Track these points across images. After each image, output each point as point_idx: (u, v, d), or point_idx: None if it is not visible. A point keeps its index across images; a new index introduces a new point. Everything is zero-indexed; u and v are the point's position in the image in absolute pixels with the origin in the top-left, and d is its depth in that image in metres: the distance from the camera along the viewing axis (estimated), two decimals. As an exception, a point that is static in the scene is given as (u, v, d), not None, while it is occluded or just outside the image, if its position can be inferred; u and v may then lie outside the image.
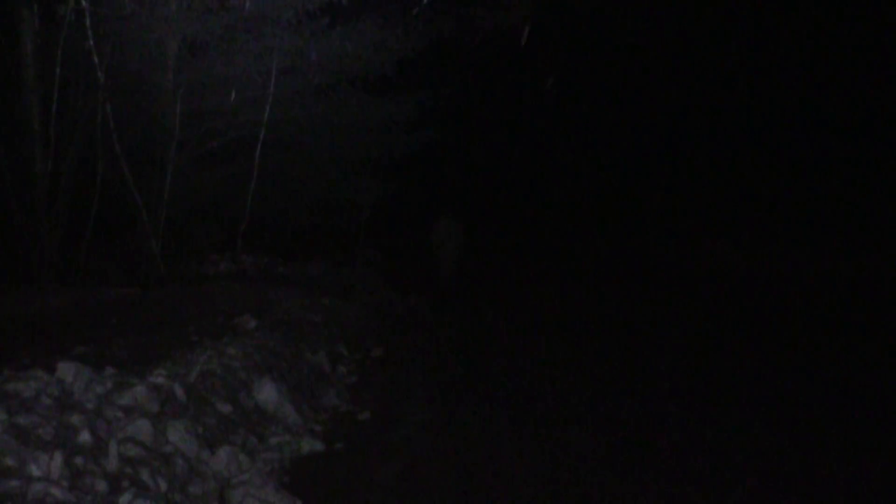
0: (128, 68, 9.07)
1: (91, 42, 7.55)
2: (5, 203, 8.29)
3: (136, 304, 7.06)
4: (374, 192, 13.58)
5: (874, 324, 8.15)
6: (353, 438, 4.42)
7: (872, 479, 3.62)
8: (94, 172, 8.79)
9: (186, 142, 10.03)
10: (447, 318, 9.50)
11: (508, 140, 23.64)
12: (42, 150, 8.29)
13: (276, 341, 5.73)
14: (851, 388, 5.36)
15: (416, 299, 11.09)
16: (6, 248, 8.36)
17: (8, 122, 8.46)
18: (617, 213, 22.78)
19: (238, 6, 8.87)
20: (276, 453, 3.97)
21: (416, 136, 13.25)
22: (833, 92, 13.97)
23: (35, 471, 2.81)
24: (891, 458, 3.88)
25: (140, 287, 8.52)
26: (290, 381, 5.08)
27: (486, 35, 14.00)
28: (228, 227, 11.48)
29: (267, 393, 4.59)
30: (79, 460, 2.99)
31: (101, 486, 2.92)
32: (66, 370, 3.67)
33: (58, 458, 2.89)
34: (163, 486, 3.16)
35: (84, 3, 7.43)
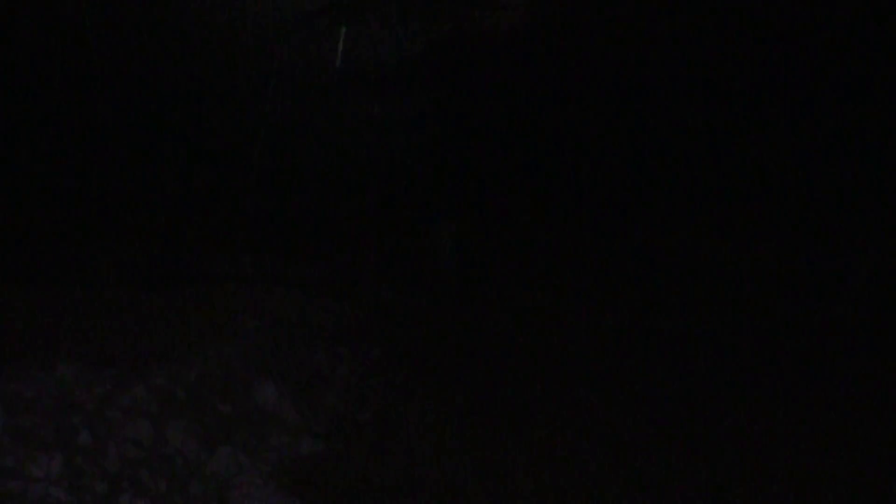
0: None
1: None
2: None
3: (136, 304, 7.06)
4: (374, 192, 13.58)
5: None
6: (353, 438, 4.42)
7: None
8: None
9: None
10: (447, 318, 9.49)
11: (508, 140, 23.66)
12: None
13: (276, 341, 5.72)
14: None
15: (415, 299, 11.09)
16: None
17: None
18: (616, 212, 22.84)
19: None
20: (275, 453, 3.96)
21: (417, 136, 13.23)
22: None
23: (35, 471, 2.81)
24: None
25: (140, 287, 8.51)
26: (290, 382, 5.07)
27: (486, 35, 13.97)
28: (228, 226, 11.47)
29: (267, 393, 4.59)
30: (79, 461, 2.99)
31: (101, 486, 2.92)
32: (66, 370, 3.67)
33: (58, 458, 2.89)
34: (162, 486, 3.16)
35: None
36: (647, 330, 8.20)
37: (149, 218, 9.52)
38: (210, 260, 10.75)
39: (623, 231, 20.90)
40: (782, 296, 10.82)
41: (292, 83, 10.69)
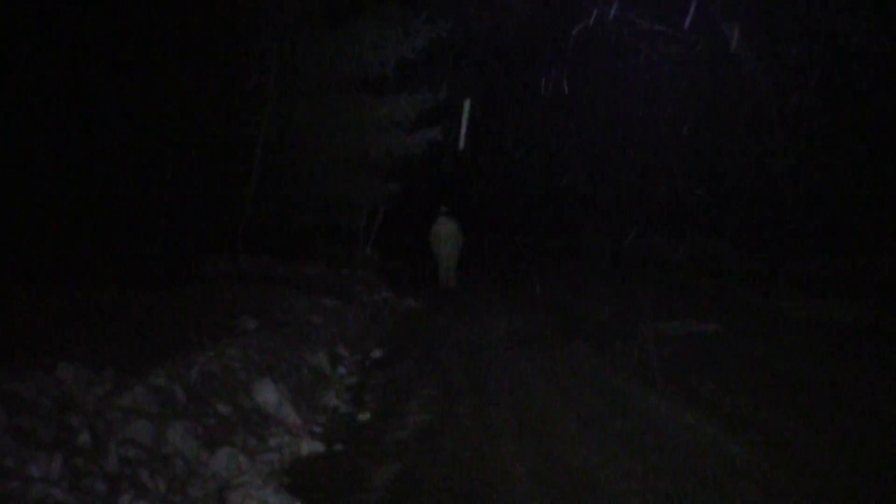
0: None
1: None
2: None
3: (136, 304, 7.06)
4: (374, 192, 13.58)
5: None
6: (353, 439, 4.42)
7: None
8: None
9: None
10: (446, 318, 9.50)
11: (507, 140, 23.81)
12: None
13: (276, 342, 5.73)
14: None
15: (415, 299, 11.10)
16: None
17: None
18: (613, 211, 23.21)
19: None
20: (275, 454, 3.97)
21: (417, 136, 13.24)
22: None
23: (35, 471, 2.81)
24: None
25: (140, 287, 8.51)
26: (289, 382, 5.08)
27: (486, 35, 14.00)
28: (228, 227, 11.48)
29: (267, 394, 4.59)
30: (78, 461, 2.99)
31: (101, 486, 2.93)
32: (66, 370, 3.68)
33: (58, 458, 2.89)
34: (162, 487, 3.16)
35: None
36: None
37: (149, 218, 9.52)
38: (210, 260, 10.76)
39: (618, 227, 21.93)
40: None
41: (292, 83, 10.70)
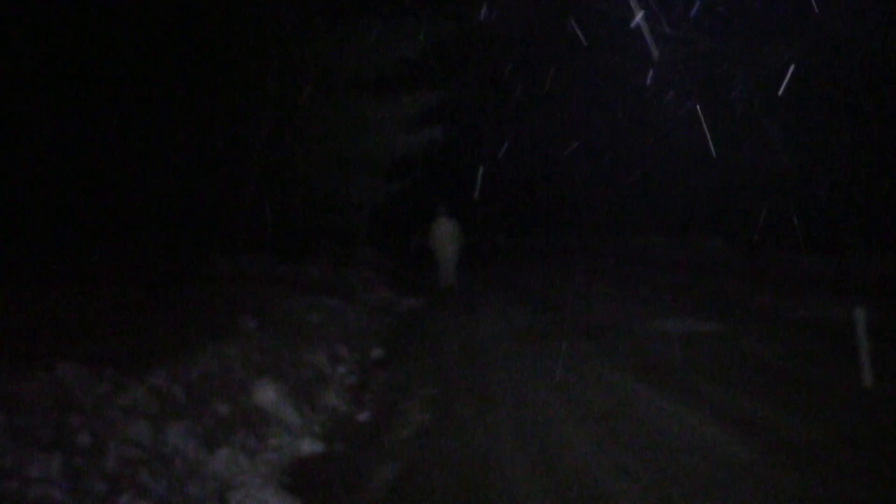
0: None
1: None
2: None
3: (136, 304, 7.06)
4: (374, 192, 13.58)
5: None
6: (353, 439, 4.41)
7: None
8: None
9: None
10: (446, 317, 9.50)
11: (505, 140, 23.89)
12: None
13: (275, 341, 5.73)
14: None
15: (416, 299, 11.10)
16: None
17: None
18: (613, 210, 23.41)
19: None
20: (275, 454, 3.96)
21: (416, 135, 13.24)
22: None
23: (34, 471, 2.81)
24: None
25: (140, 287, 8.52)
26: (289, 382, 5.07)
27: (486, 35, 14.00)
28: (228, 227, 11.48)
29: (266, 393, 4.59)
30: (78, 461, 2.99)
31: (101, 486, 2.92)
32: (66, 370, 3.67)
33: (57, 458, 2.89)
34: (162, 487, 3.16)
35: None
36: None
37: (149, 218, 9.52)
38: (210, 260, 10.76)
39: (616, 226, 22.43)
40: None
41: (292, 83, 10.70)
